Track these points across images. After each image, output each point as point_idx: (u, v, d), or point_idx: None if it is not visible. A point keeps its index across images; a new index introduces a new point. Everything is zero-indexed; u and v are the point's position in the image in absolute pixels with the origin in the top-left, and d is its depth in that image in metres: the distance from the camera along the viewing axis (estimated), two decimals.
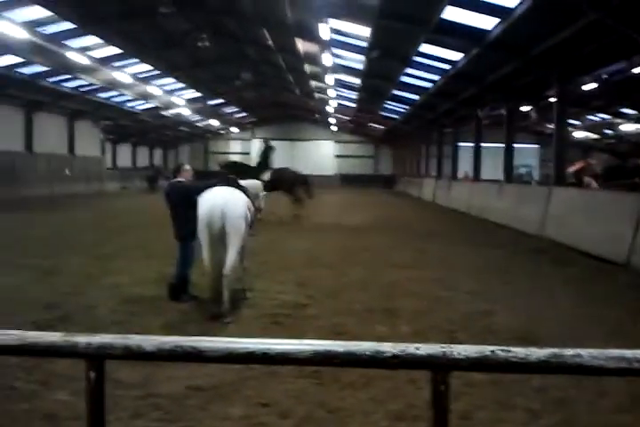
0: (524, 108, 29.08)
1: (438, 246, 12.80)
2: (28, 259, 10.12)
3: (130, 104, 39.29)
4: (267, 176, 19.26)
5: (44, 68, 27.33)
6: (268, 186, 19.08)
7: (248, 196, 7.27)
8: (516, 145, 22.83)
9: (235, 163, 21.63)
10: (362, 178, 54.31)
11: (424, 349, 1.48)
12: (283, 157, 58.02)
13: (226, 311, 6.45)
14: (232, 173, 11.40)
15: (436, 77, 24.09)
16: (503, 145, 21.99)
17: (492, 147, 32.84)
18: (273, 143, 21.58)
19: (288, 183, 19.60)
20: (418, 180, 37.70)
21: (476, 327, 6.26)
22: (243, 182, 7.76)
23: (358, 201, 31.04)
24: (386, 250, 12.14)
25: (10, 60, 25.20)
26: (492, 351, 1.47)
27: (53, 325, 5.95)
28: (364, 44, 21.93)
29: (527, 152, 45.92)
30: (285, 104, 48.50)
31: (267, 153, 20.76)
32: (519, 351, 1.46)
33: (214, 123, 51.10)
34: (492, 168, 34.21)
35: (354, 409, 4.17)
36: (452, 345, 1.50)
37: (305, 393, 4.41)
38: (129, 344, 1.51)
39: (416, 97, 29.38)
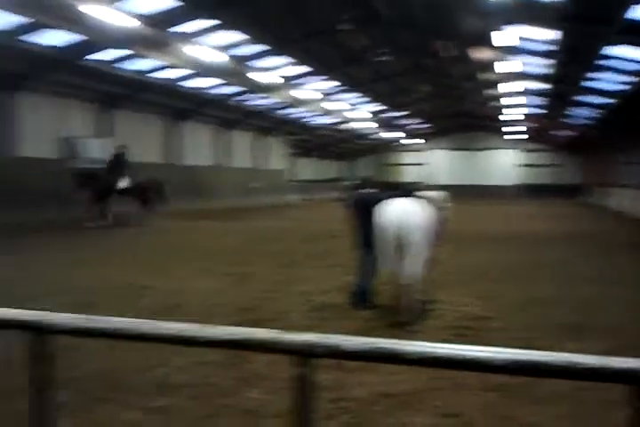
0: None
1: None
2: (224, 266, 10.92)
3: (312, 119, 40.94)
4: (123, 183, 19.05)
5: (236, 89, 29.43)
6: (124, 193, 19.04)
7: (431, 206, 7.27)
8: None
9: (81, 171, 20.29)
10: (545, 188, 51.53)
11: (625, 362, 1.42)
12: (460, 167, 57.37)
13: (409, 321, 6.49)
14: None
15: (631, 79, 22.39)
16: None
17: None
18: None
19: (143, 190, 19.53)
20: (615, 190, 34.46)
21: None
22: (427, 193, 7.77)
23: (540, 212, 29.55)
24: (572, 264, 11.45)
25: (207, 82, 27.52)
26: None
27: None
28: (546, 49, 21.01)
29: None
30: (463, 114, 47.79)
31: (119, 159, 19.71)
32: None
33: (392, 135, 51.59)
34: None
35: (543, 425, 4.01)
36: None
37: (492, 406, 4.31)
38: (331, 343, 1.60)
39: (610, 100, 27.44)
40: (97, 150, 24.51)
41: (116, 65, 22.80)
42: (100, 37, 19.17)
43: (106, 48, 20.84)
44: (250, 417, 4.13)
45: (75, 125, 23.93)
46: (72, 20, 17.37)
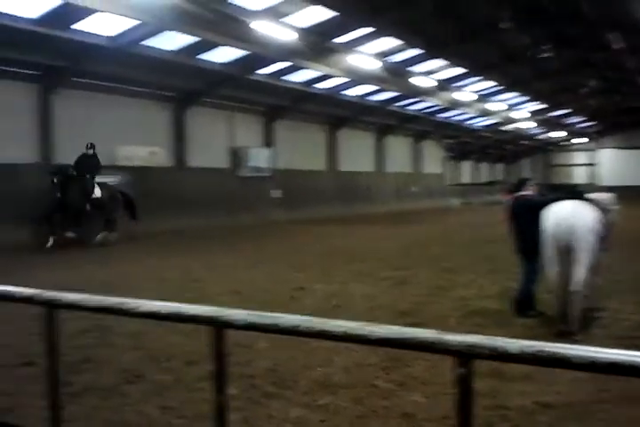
0: None
1: None
2: (381, 270, 11.06)
3: (470, 122, 40.13)
4: (97, 192, 15.72)
5: (393, 94, 29.60)
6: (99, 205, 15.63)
7: (598, 209, 6.87)
8: None
9: None
10: None
11: None
12: (630, 167, 53.07)
13: (574, 329, 6.19)
14: None
15: None
16: None
17: None
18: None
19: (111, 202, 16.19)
20: None
21: None
22: (592, 195, 7.36)
23: None
24: None
25: (364, 89, 27.98)
26: None
27: None
28: None
29: None
30: (635, 110, 44.33)
31: (85, 160, 16.04)
32: None
33: (556, 134, 49.14)
34: None
35: None
36: None
37: None
38: (495, 345, 1.61)
39: None
40: (262, 159, 25.85)
41: (280, 77, 23.84)
42: (266, 52, 20.17)
43: (271, 62, 21.88)
44: (408, 420, 4.18)
45: (242, 136, 25.36)
46: (240, 37, 18.46)
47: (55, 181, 14.87)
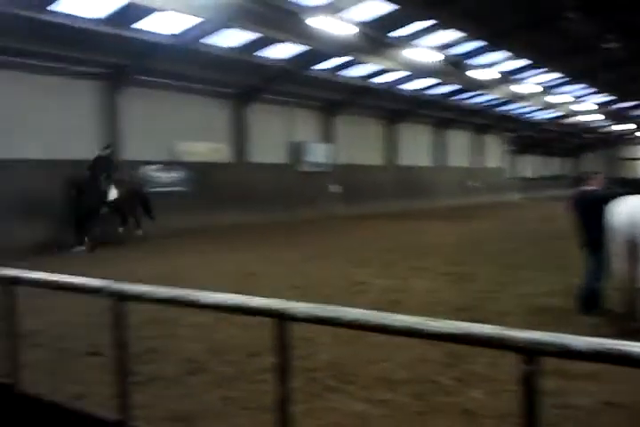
0: None
1: None
2: (442, 265, 10.95)
3: (533, 114, 39.21)
4: (113, 194, 15.39)
5: (452, 88, 29.19)
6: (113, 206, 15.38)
7: None
8: None
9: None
10: None
11: None
12: None
13: None
14: None
15: None
16: None
17: None
18: None
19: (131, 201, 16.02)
20: None
21: None
22: None
23: None
24: None
25: (424, 82, 27.68)
26: None
27: None
28: None
29: None
30: None
31: (101, 161, 15.49)
32: None
33: (623, 127, 47.48)
34: None
35: None
36: None
37: None
38: (560, 342, 1.58)
39: None
40: (321, 154, 25.95)
41: (338, 72, 23.83)
42: (324, 47, 20.20)
43: (329, 57, 21.89)
44: (469, 417, 4.14)
45: (301, 131, 25.50)
46: (299, 33, 18.55)
47: (73, 193, 14.63)
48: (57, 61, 16.71)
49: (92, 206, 14.76)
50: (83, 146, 17.11)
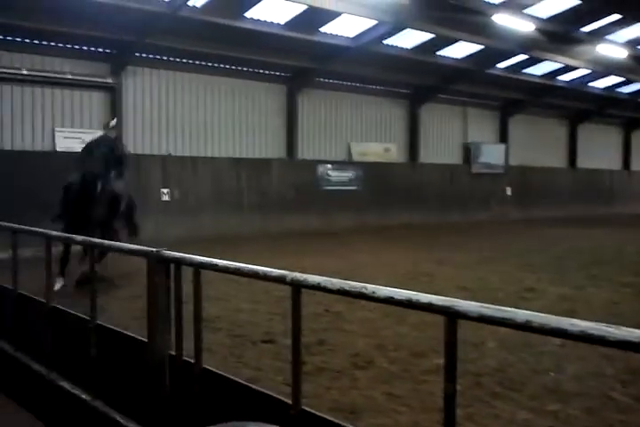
0: None
1: None
2: (625, 276, 10.19)
3: None
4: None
5: None
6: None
7: None
8: None
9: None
10: None
11: None
12: None
13: None
14: None
15: None
16: None
17: None
18: None
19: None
20: None
21: None
22: None
23: None
24: None
25: (609, 80, 25.84)
26: None
27: None
28: None
29: None
30: None
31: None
32: None
33: None
34: None
35: None
36: None
37: None
38: None
39: None
40: (495, 155, 25.21)
41: (518, 70, 22.97)
42: (504, 45, 19.59)
43: (509, 55, 21.18)
44: None
45: (475, 132, 24.95)
46: (478, 31, 18.14)
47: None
48: (243, 65, 17.89)
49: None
50: (269, 146, 18.31)
